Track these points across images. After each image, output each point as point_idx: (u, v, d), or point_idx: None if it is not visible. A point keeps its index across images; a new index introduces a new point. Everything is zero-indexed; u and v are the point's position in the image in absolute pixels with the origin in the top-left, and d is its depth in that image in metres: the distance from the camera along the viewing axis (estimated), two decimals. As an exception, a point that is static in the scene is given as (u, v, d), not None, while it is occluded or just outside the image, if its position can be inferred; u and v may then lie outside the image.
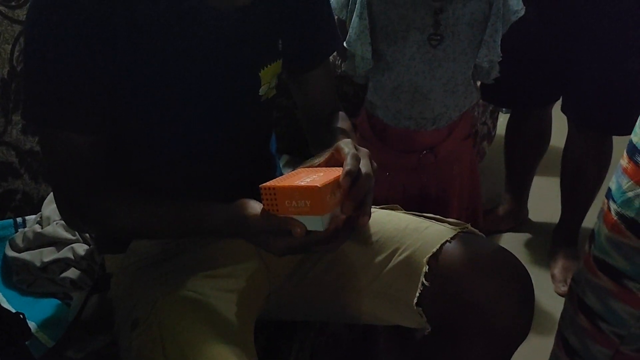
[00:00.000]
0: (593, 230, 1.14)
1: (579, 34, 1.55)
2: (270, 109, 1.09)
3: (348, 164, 0.82)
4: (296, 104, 1.19)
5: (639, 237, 1.02)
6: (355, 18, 1.28)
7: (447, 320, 0.98)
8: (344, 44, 1.29)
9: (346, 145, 0.86)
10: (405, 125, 1.36)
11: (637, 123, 1.05)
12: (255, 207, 0.86)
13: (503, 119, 2.30)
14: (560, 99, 1.74)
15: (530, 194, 2.10)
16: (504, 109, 2.40)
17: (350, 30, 1.30)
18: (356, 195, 0.81)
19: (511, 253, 1.01)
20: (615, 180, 1.08)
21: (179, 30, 0.90)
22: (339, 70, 1.61)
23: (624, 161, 1.06)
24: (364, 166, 0.84)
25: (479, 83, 1.53)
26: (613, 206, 1.06)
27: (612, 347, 1.13)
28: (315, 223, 0.79)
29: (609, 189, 1.09)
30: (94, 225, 0.97)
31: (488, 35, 1.28)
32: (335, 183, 0.80)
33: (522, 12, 1.31)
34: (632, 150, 1.04)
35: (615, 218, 1.05)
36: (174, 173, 1.01)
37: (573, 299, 1.19)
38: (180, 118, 0.96)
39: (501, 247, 1.03)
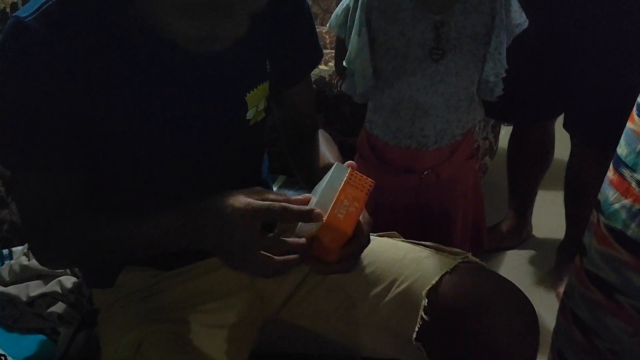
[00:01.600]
0: (583, 243, 1.12)
1: (579, 50, 1.54)
2: (260, 133, 1.05)
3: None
4: (276, 119, 1.16)
5: (626, 250, 1.01)
6: (354, 36, 1.26)
7: (448, 355, 0.95)
8: (344, 62, 1.26)
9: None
10: (407, 145, 1.33)
11: (622, 136, 1.04)
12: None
13: (505, 132, 2.27)
14: (562, 115, 1.71)
15: (534, 209, 2.06)
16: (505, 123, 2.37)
17: (349, 47, 1.28)
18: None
19: (513, 284, 0.98)
20: (603, 192, 1.07)
21: (159, 63, 0.87)
22: (336, 90, 1.58)
23: (610, 173, 1.06)
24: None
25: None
26: (601, 219, 1.06)
27: None
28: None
29: (598, 202, 1.09)
30: (65, 256, 0.94)
31: (493, 47, 1.26)
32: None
33: (526, 25, 1.28)
34: (617, 162, 1.04)
35: (604, 230, 1.05)
36: (160, 201, 0.98)
37: (566, 313, 1.17)
38: (165, 148, 0.93)
39: (503, 278, 0.99)
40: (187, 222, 0.84)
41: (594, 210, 1.10)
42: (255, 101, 0.99)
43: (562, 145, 1.88)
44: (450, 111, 1.30)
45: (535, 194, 2.02)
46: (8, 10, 1.34)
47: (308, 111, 1.14)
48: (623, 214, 1.01)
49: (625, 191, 1.01)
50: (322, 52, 1.14)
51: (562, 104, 1.68)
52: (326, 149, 1.07)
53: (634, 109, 1.04)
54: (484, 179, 2.21)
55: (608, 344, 1.08)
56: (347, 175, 0.85)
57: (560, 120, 1.76)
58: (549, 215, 2.09)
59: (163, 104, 0.90)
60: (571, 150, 1.78)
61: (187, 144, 0.94)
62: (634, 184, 1.00)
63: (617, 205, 1.02)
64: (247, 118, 0.99)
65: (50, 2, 0.82)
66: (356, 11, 1.26)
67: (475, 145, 2.00)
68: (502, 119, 2.01)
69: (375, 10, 1.25)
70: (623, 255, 1.02)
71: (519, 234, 2.05)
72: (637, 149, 1.00)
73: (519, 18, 1.28)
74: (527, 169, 1.95)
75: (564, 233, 1.93)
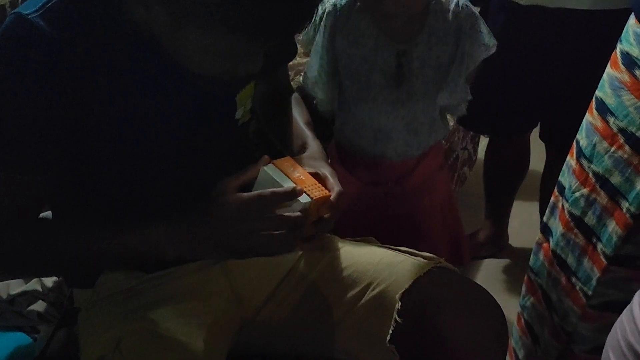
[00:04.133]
0: (547, 224, 1.17)
1: (556, 65, 1.57)
2: (246, 134, 1.08)
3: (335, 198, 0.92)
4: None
5: (584, 236, 1.06)
6: (314, 57, 1.28)
7: (420, 358, 0.97)
8: (301, 80, 1.29)
9: (332, 177, 0.94)
10: (371, 157, 1.34)
11: (582, 125, 1.10)
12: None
13: (484, 143, 2.31)
14: (538, 126, 1.75)
15: (510, 219, 2.10)
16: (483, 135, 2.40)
17: (307, 68, 1.30)
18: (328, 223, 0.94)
19: (484, 289, 1.01)
20: (566, 178, 1.12)
21: (159, 70, 0.89)
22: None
23: (573, 162, 1.10)
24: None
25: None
26: (565, 205, 1.10)
27: (562, 342, 1.16)
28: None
29: (562, 186, 1.12)
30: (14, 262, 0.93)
31: (450, 78, 1.27)
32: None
33: (494, 49, 1.27)
34: (578, 151, 1.09)
35: (567, 217, 1.10)
36: (148, 199, 0.99)
37: (534, 288, 1.22)
38: (157, 146, 0.94)
39: (474, 282, 1.03)
40: (180, 234, 0.88)
41: (557, 193, 1.14)
42: (244, 101, 1.01)
43: (538, 156, 1.92)
44: (410, 134, 1.31)
45: (512, 204, 2.05)
46: (8, 6, 1.33)
47: (282, 85, 1.20)
48: (582, 202, 1.06)
49: (584, 181, 1.06)
50: (297, 46, 1.18)
51: (538, 116, 1.72)
52: (297, 112, 1.15)
53: (593, 101, 1.07)
54: (462, 188, 2.25)
55: (563, 324, 1.14)
56: (273, 168, 0.92)
57: (536, 132, 1.79)
58: (525, 225, 2.12)
59: (157, 102, 0.91)
60: (546, 161, 1.81)
61: (178, 143, 0.96)
62: (590, 174, 1.05)
63: (577, 194, 1.07)
64: (236, 118, 1.01)
65: (55, 1, 0.81)
66: (317, 31, 1.27)
67: (455, 155, 2.04)
68: (479, 130, 2.04)
69: (339, 32, 1.26)
70: (580, 241, 1.07)
71: (496, 243, 2.08)
72: (594, 141, 1.05)
73: (487, 43, 1.26)
74: (503, 179, 1.98)
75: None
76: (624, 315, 0.86)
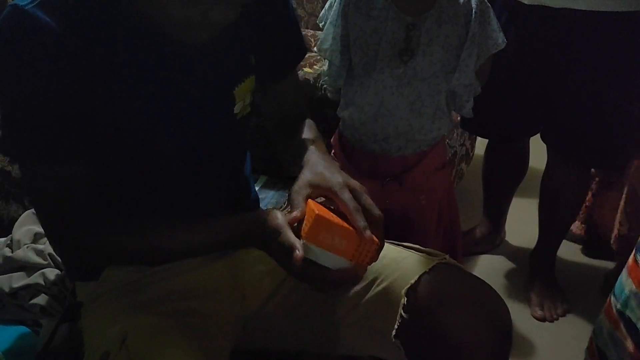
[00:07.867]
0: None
1: (560, 68, 1.56)
2: (245, 127, 1.08)
3: (357, 221, 0.89)
4: (263, 113, 1.18)
5: (632, 340, 1.01)
6: (328, 25, 1.32)
7: (425, 353, 0.97)
8: (314, 48, 1.31)
9: (341, 192, 0.92)
10: (371, 149, 1.35)
11: None
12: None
13: (482, 139, 2.31)
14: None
15: (508, 216, 2.10)
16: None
17: (321, 35, 1.33)
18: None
19: (489, 286, 1.01)
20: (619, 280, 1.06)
21: (151, 56, 0.89)
22: (320, 93, 1.61)
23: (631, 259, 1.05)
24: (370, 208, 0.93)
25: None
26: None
27: None
28: (339, 262, 0.87)
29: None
30: (98, 254, 0.95)
31: (462, 59, 1.29)
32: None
33: (502, 45, 1.31)
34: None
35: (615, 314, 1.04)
36: (156, 193, 1.00)
37: (593, 352, 1.16)
38: (157, 139, 0.95)
39: (479, 279, 1.03)
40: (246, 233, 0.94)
41: (634, 250, 1.06)
42: (242, 95, 1.01)
43: (538, 154, 1.91)
44: (413, 115, 1.32)
45: (509, 203, 2.05)
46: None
47: (294, 105, 1.17)
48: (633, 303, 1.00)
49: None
50: (306, 48, 1.17)
51: (540, 121, 1.70)
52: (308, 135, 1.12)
53: None
54: (460, 184, 2.25)
55: None
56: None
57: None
58: (523, 222, 2.13)
59: (155, 97, 0.91)
60: (547, 163, 1.80)
61: (177, 136, 0.96)
62: None
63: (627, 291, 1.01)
64: (235, 112, 1.01)
65: None
66: (336, 2, 1.31)
67: (452, 151, 2.04)
68: (479, 133, 2.03)
69: (352, 4, 1.29)
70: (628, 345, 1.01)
71: (492, 239, 2.09)
72: None
73: (496, 38, 1.30)
74: (502, 182, 1.99)
75: (536, 240, 1.97)
76: None
